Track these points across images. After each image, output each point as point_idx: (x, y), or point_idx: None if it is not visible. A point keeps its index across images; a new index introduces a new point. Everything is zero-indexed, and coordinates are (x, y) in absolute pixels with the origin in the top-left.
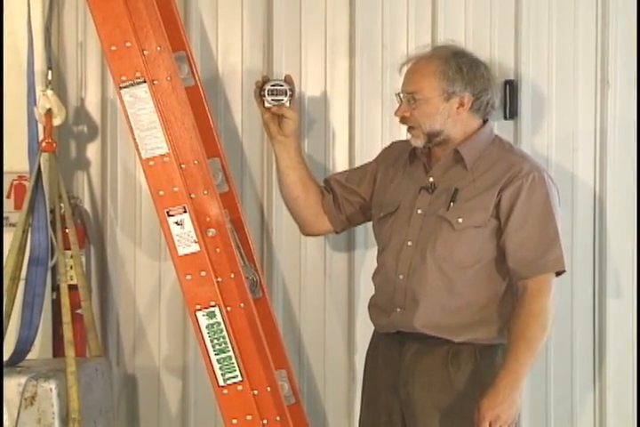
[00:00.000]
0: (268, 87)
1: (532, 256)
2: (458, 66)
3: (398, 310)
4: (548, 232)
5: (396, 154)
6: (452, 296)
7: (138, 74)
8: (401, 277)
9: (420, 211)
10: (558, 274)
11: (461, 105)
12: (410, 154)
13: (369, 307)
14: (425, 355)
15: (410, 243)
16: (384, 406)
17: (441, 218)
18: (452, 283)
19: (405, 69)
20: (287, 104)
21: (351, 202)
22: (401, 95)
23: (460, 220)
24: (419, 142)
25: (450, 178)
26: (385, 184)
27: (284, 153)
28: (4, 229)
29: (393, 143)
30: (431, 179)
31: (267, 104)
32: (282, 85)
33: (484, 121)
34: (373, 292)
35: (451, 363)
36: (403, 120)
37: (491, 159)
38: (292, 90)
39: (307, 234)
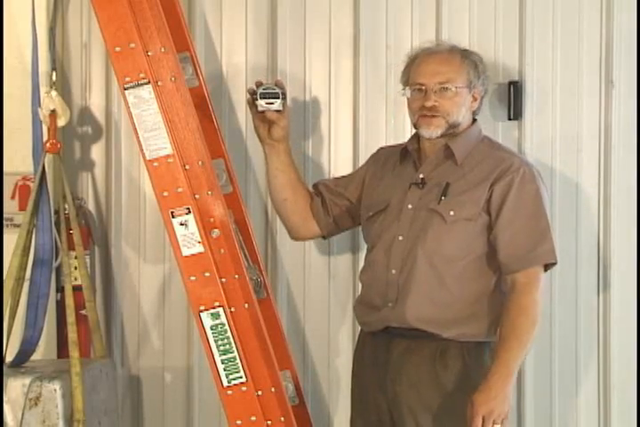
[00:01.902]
0: (260, 91)
1: (523, 250)
2: (479, 60)
3: (390, 304)
4: (539, 226)
5: (384, 157)
6: (441, 290)
7: (142, 75)
8: (393, 271)
9: (410, 206)
10: (546, 269)
11: (474, 99)
12: (400, 154)
13: (355, 306)
14: (413, 353)
15: (401, 237)
16: (373, 405)
17: (432, 211)
18: (441, 276)
19: (418, 62)
20: (279, 107)
21: (338, 205)
22: (418, 87)
23: (452, 213)
24: (438, 132)
25: (440, 173)
26: (373, 186)
27: (274, 156)
28: (9, 229)
29: (380, 148)
30: (421, 175)
31: (260, 108)
32: (274, 89)
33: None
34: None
35: (438, 361)
36: (431, 109)
37: (480, 156)
38: (283, 93)
39: (295, 238)
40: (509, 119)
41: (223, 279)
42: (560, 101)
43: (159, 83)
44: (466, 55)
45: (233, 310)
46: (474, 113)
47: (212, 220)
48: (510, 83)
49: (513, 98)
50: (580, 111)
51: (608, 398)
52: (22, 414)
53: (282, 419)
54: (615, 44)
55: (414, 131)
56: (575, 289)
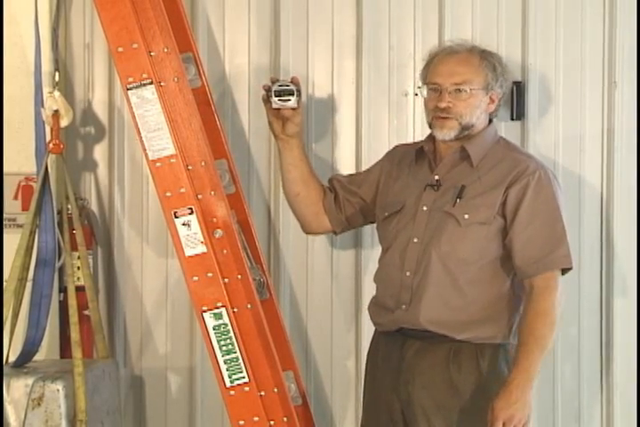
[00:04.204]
0: (275, 88)
1: (539, 254)
2: (498, 62)
3: (403, 306)
4: (555, 230)
5: (399, 156)
6: (455, 293)
7: (145, 75)
8: (408, 273)
9: (425, 208)
10: (564, 272)
11: (492, 101)
12: (416, 153)
13: (369, 306)
14: (426, 354)
15: (416, 240)
16: (385, 405)
17: (447, 214)
18: (455, 279)
19: (436, 61)
20: (295, 105)
21: (352, 203)
22: (434, 87)
23: (467, 216)
24: (451, 134)
25: (455, 175)
26: (388, 185)
27: (287, 151)
28: (12, 230)
29: (396, 146)
30: (436, 176)
31: (274, 105)
32: (288, 86)
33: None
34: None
35: (452, 362)
36: (444, 111)
37: (496, 158)
38: (298, 90)
39: (307, 232)
40: (512, 119)
41: (226, 280)
42: (563, 102)
43: (162, 83)
44: (485, 56)
45: (236, 310)
46: (491, 115)
47: (214, 220)
48: (513, 83)
49: (516, 98)
50: (583, 112)
51: (611, 398)
52: (25, 415)
53: (285, 419)
54: (618, 44)
55: (425, 131)
56: (578, 288)
